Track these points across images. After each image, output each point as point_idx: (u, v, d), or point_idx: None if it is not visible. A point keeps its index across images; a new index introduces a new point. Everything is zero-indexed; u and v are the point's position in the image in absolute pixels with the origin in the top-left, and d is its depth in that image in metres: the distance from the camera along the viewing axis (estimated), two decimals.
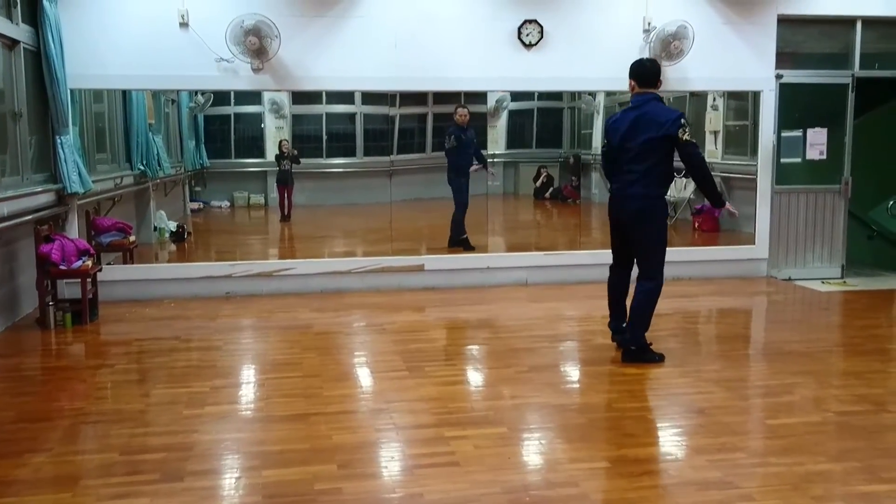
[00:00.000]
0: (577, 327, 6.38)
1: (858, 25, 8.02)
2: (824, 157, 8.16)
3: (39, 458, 3.67)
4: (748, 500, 3.21)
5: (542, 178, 13.29)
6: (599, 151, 5.34)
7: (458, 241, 8.67)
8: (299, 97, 13.48)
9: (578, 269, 7.82)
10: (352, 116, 13.94)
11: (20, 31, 6.29)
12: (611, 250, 5.42)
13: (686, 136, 4.85)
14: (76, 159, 6.81)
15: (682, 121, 4.89)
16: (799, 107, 8.12)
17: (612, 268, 5.43)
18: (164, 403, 4.41)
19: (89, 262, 6.35)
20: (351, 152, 13.89)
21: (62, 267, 6.14)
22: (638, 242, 5.11)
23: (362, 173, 12.68)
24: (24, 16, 6.38)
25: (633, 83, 5.12)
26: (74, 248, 6.29)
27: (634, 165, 4.97)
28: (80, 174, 6.84)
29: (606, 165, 5.27)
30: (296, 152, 12.43)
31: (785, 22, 7.93)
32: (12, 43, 6.21)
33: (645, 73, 5.07)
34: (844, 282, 8.09)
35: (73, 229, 6.95)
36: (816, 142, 8.13)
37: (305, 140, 13.86)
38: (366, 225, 9.55)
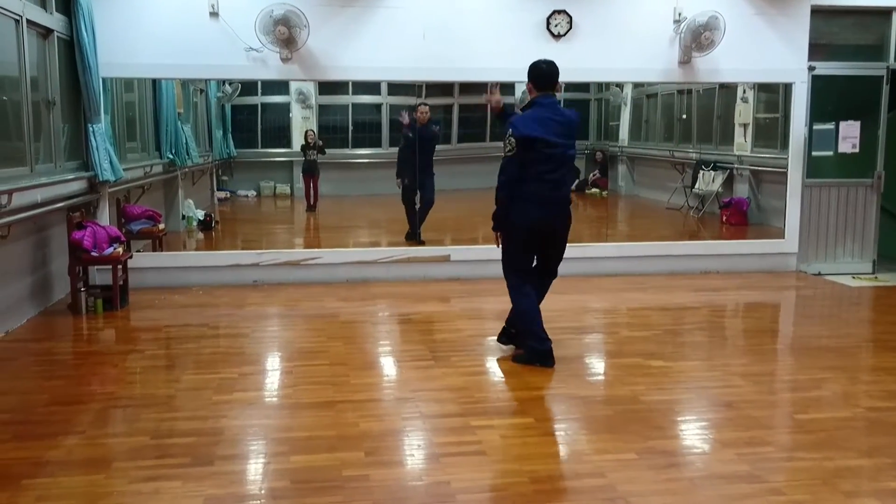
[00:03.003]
0: (602, 319, 6.35)
1: (894, 16, 7.89)
2: (857, 150, 8.04)
3: (72, 440, 3.74)
4: (777, 493, 3.18)
5: None
6: (506, 155, 4.67)
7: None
8: (326, 87, 13.53)
9: (604, 262, 7.79)
10: (378, 107, 13.97)
11: (54, 20, 6.37)
12: (523, 266, 4.96)
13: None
14: (108, 147, 6.89)
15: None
16: (831, 99, 8.00)
17: (530, 281, 4.97)
18: (194, 389, 4.46)
19: (120, 249, 6.43)
20: (377, 143, 13.93)
21: (94, 253, 6.22)
22: (561, 246, 4.96)
23: (388, 164, 12.70)
24: (58, 5, 6.46)
25: (529, 86, 4.85)
26: (106, 235, 6.37)
27: (563, 171, 4.81)
28: (111, 162, 6.92)
29: (514, 173, 4.68)
30: (322, 142, 12.48)
31: (818, 13, 7.81)
32: (46, 32, 6.29)
33: (542, 75, 4.81)
34: (876, 277, 7.98)
35: (105, 216, 7.04)
36: (849, 135, 8.00)
37: (332, 130, 13.92)
38: (391, 215, 9.56)
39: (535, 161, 4.67)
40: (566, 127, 4.77)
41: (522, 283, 4.95)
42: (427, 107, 9.05)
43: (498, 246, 4.95)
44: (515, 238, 4.86)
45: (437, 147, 9.40)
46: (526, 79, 4.88)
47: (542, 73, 4.81)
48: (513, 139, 4.65)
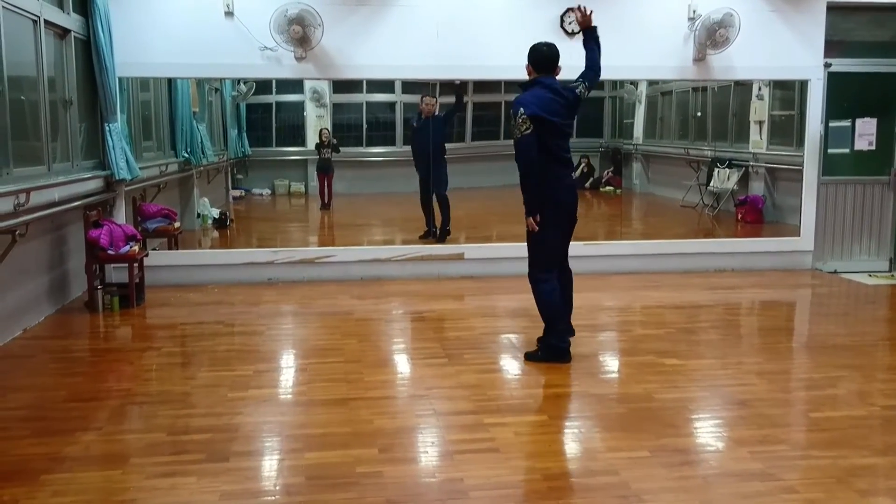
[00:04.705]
0: (616, 317, 6.34)
1: None
2: (873, 147, 7.99)
3: (89, 436, 3.78)
4: (791, 492, 3.18)
5: (581, 167, 13.22)
6: (522, 135, 4.62)
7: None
8: (340, 86, 13.59)
9: (618, 260, 7.78)
10: (392, 105, 14.01)
11: (71, 21, 6.43)
12: (551, 256, 4.91)
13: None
14: (124, 146, 6.95)
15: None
16: (848, 96, 7.95)
17: (551, 274, 4.94)
18: (209, 386, 4.50)
19: (136, 248, 6.49)
20: (391, 141, 13.97)
21: (110, 252, 6.28)
22: (572, 229, 4.99)
23: (402, 162, 12.73)
24: (75, 5, 6.52)
25: (529, 67, 4.86)
26: (122, 233, 6.43)
27: (566, 150, 4.86)
28: (127, 161, 6.98)
29: (535, 151, 4.63)
30: (336, 141, 12.53)
31: (834, 9, 7.75)
32: (63, 32, 6.35)
33: (543, 58, 4.80)
34: (892, 275, 7.92)
35: (121, 215, 7.10)
36: (865, 132, 7.95)
37: (346, 129, 13.97)
38: (405, 213, 9.59)
39: (545, 139, 4.68)
40: (566, 108, 4.78)
41: (549, 275, 4.93)
42: (434, 99, 9.03)
43: (536, 229, 4.78)
44: (549, 220, 4.78)
45: (450, 145, 9.38)
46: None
47: (543, 56, 4.81)
48: (526, 117, 4.62)
